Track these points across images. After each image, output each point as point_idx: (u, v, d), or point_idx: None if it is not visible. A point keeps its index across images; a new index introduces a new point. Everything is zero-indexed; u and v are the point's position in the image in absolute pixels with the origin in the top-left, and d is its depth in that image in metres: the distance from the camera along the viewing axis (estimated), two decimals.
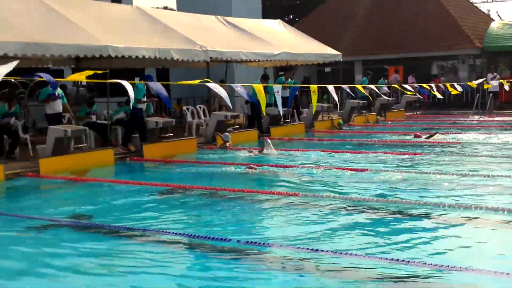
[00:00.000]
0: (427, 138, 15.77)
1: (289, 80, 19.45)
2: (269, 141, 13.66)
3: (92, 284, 5.38)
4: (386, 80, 23.86)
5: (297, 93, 19.16)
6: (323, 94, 21.62)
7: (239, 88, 12.58)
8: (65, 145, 12.07)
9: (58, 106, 13.31)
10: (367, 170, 10.78)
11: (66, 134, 11.74)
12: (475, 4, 36.80)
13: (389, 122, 21.98)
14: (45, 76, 9.94)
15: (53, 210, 8.52)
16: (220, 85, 12.04)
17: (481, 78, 24.38)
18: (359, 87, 18.68)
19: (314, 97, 16.06)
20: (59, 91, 13.31)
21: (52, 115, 13.22)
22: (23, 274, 5.66)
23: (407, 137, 16.07)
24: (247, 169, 11.15)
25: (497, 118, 22.08)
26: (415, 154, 12.88)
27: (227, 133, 14.74)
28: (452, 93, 20.82)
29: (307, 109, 20.59)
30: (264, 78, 17.72)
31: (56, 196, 9.97)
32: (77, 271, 5.70)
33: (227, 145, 14.35)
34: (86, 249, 6.52)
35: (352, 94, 18.90)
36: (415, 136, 16.02)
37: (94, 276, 5.60)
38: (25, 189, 10.21)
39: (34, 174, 10.96)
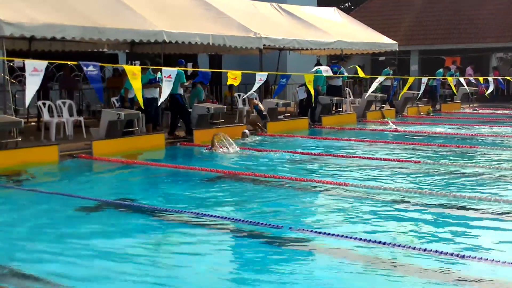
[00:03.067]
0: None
1: (342, 69, 19.21)
2: (247, 132, 14.06)
3: (137, 264, 5.44)
4: (458, 73, 23.35)
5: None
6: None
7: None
8: (118, 128, 12.26)
9: (155, 91, 13.28)
10: (419, 162, 10.59)
11: (119, 117, 11.91)
12: None
13: (442, 114, 21.57)
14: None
15: (104, 191, 8.69)
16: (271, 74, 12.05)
17: None
18: (411, 79, 18.42)
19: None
20: (159, 75, 13.16)
21: (149, 99, 13.15)
22: (71, 252, 5.76)
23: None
24: (206, 150, 11.89)
25: None
26: (470, 147, 12.58)
27: (246, 131, 14.30)
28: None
29: (359, 99, 20.31)
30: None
31: (108, 178, 10.16)
32: (124, 253, 5.78)
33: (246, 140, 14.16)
34: (133, 230, 6.62)
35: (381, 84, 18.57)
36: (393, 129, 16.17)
37: (139, 256, 5.66)
38: (78, 170, 10.43)
39: (87, 156, 11.17)
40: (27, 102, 9.98)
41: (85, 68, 10.49)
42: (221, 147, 11.83)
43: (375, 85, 15.83)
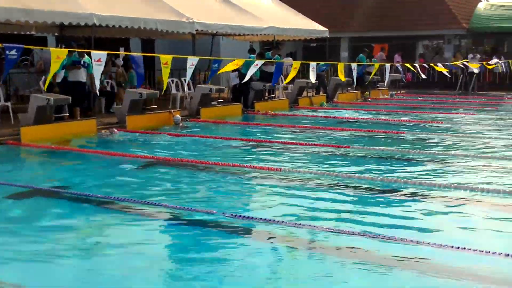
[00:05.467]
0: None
1: (276, 56, 19.36)
2: (179, 117, 14.11)
3: (66, 251, 5.40)
4: (375, 59, 23.92)
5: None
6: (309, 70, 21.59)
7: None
8: (48, 113, 11.96)
9: (81, 75, 13.06)
10: (348, 147, 10.88)
11: (49, 102, 11.62)
12: None
13: (370, 100, 22.22)
14: None
15: (32, 178, 8.50)
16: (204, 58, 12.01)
17: (465, 59, 24.64)
18: (340, 65, 18.73)
19: (293, 73, 16.21)
20: (86, 59, 12.97)
21: (73, 83, 12.95)
22: None
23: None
24: (108, 132, 12.30)
25: (477, 99, 22.26)
26: (397, 132, 13.02)
27: (178, 116, 14.29)
28: (440, 70, 21.22)
29: (291, 85, 20.56)
30: (260, 55, 17.71)
31: (36, 165, 9.96)
32: (53, 239, 5.72)
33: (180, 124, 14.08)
34: (62, 218, 6.56)
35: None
36: (266, 113, 16.55)
37: (69, 244, 5.63)
38: (5, 156, 10.13)
39: (15, 142, 10.87)
40: None
41: (7, 51, 10.17)
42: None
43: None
